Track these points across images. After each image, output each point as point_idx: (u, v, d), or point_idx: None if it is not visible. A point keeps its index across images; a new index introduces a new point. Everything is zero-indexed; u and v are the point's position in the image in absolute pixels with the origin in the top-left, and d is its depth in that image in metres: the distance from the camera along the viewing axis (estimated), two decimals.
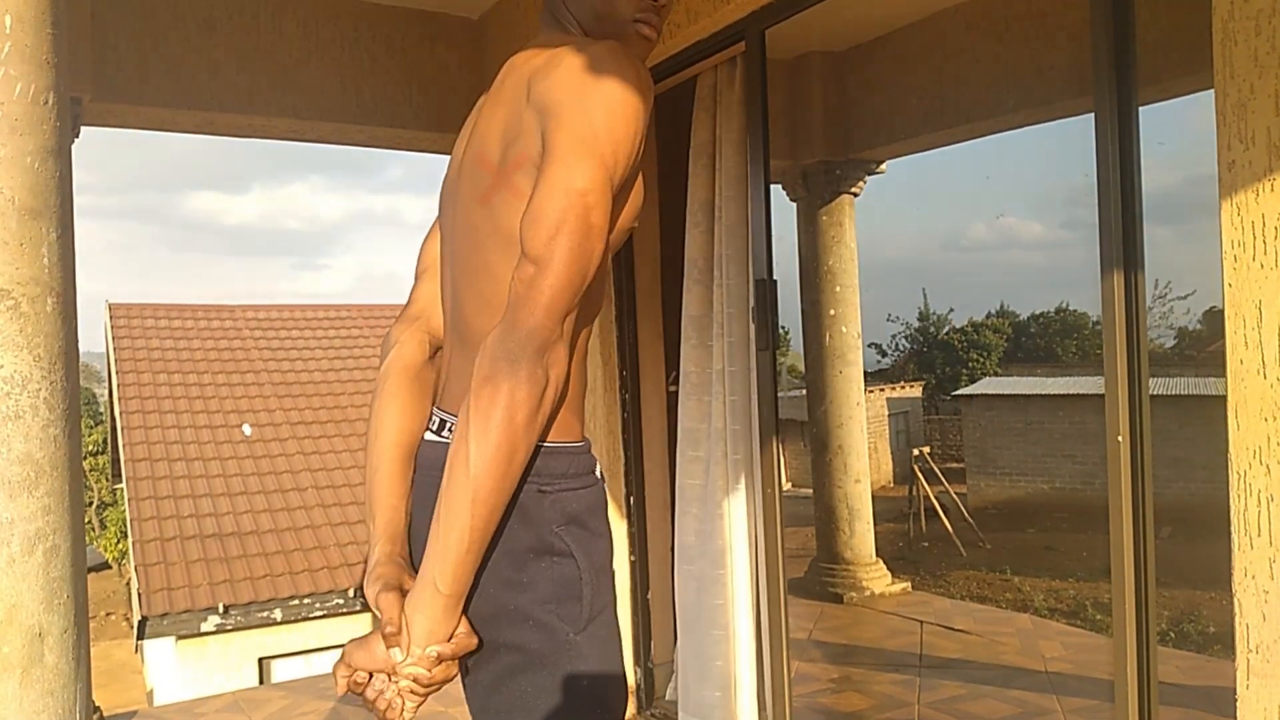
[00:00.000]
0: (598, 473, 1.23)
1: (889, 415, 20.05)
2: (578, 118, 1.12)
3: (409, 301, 1.39)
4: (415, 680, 1.09)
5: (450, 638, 1.09)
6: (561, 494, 1.15)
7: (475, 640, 1.10)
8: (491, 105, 1.25)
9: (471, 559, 1.06)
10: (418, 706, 1.11)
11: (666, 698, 3.59)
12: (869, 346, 25.76)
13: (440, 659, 1.08)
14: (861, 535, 5.84)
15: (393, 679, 1.09)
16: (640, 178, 1.25)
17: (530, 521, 1.13)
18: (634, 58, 1.19)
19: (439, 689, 1.11)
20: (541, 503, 1.14)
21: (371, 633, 1.12)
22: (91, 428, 18.76)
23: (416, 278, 1.41)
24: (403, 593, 1.12)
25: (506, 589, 1.13)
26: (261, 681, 8.71)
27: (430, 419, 1.28)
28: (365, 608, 7.67)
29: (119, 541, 15.60)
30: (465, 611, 1.12)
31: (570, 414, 1.20)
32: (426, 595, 1.07)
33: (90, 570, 8.65)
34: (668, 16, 1.34)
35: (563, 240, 1.08)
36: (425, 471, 1.25)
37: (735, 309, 3.10)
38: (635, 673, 3.60)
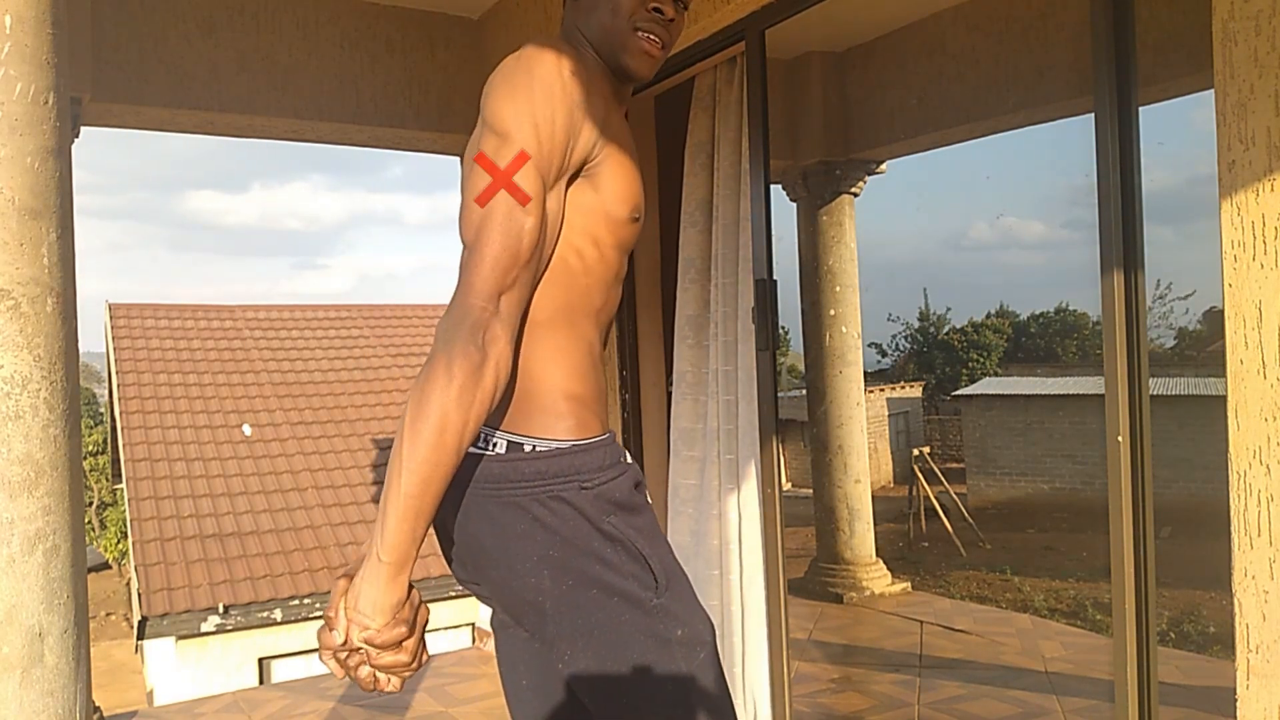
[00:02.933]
0: (627, 459, 1.31)
1: (889, 415, 20.03)
2: (491, 107, 1.19)
3: None
4: (368, 650, 1.11)
5: (395, 613, 1.10)
6: (603, 486, 1.23)
7: (403, 630, 1.12)
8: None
9: (407, 528, 1.09)
10: (401, 673, 1.13)
11: None
12: (869, 346, 25.72)
13: (370, 643, 1.10)
14: (861, 535, 5.84)
15: (361, 654, 1.12)
16: (626, 166, 1.29)
17: (585, 516, 1.21)
18: (552, 45, 1.23)
19: (406, 670, 1.13)
20: (588, 498, 1.21)
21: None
22: (91, 428, 18.76)
23: None
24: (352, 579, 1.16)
25: (583, 580, 1.20)
26: (261, 681, 8.71)
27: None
28: None
29: (119, 541, 15.61)
30: (545, 607, 1.20)
31: (588, 412, 1.27)
32: (370, 566, 1.11)
33: (90, 570, 8.65)
34: (679, 32, 1.36)
35: (485, 222, 1.15)
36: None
37: (731, 308, 3.10)
38: None
